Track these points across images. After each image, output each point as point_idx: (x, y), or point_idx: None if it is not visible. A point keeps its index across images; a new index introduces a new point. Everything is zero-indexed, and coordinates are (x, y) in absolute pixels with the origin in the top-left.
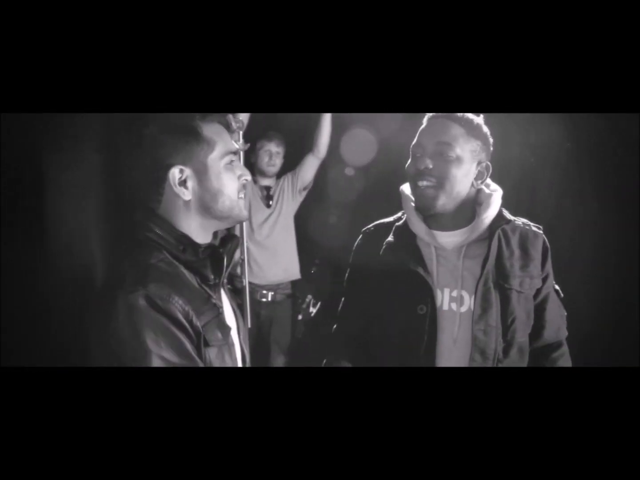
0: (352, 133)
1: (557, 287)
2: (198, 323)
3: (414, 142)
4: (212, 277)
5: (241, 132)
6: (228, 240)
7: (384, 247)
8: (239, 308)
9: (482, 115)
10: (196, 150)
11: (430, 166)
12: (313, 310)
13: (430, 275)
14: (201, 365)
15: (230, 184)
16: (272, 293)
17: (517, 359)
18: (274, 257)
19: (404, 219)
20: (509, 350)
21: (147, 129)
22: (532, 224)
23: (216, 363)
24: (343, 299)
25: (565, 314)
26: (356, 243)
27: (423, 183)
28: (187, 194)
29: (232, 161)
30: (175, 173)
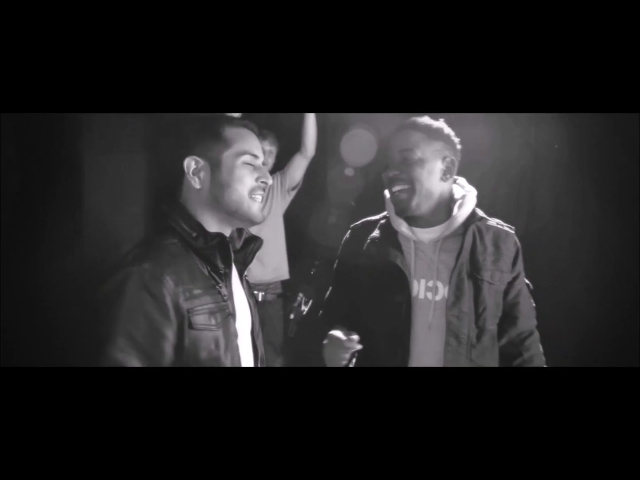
0: (352, 133)
1: (527, 281)
2: (185, 305)
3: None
4: (221, 266)
5: None
6: (251, 240)
7: (368, 241)
8: (256, 304)
9: (442, 120)
10: (212, 146)
11: (398, 172)
12: (305, 308)
13: (407, 266)
14: (167, 353)
15: (243, 180)
16: (263, 293)
17: (489, 345)
18: (263, 256)
19: (387, 216)
20: (482, 336)
21: (177, 124)
22: (505, 224)
23: (201, 347)
24: (330, 287)
25: (534, 305)
26: (345, 237)
27: (396, 188)
28: (197, 183)
29: (251, 162)
30: (190, 163)
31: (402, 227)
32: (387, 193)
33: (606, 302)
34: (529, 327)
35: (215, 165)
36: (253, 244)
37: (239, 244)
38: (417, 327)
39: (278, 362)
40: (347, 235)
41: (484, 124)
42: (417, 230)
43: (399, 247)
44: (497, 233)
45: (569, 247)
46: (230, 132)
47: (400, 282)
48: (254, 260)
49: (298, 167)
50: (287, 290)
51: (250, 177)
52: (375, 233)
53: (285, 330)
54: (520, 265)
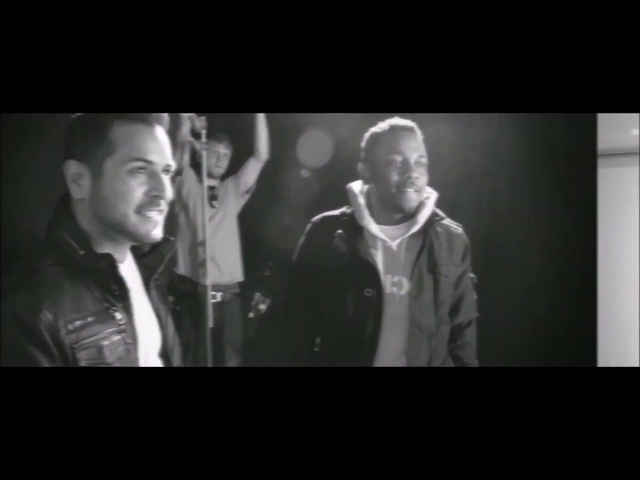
0: (308, 135)
1: (472, 274)
2: (66, 340)
3: (390, 149)
4: (115, 287)
5: (204, 132)
6: (160, 243)
7: (335, 237)
8: (170, 313)
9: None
10: (94, 149)
11: (417, 175)
12: (263, 307)
13: (376, 263)
14: None
15: (126, 195)
16: (221, 294)
17: (445, 332)
18: (218, 259)
19: (349, 213)
20: (440, 325)
21: (66, 119)
22: (454, 223)
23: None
24: (290, 282)
25: (476, 297)
26: (306, 231)
27: (411, 189)
28: (79, 192)
29: (143, 171)
30: (70, 166)
31: (371, 225)
32: (354, 187)
33: (561, 299)
34: (468, 318)
35: (96, 174)
36: (162, 247)
37: (146, 247)
38: (385, 318)
39: (234, 361)
40: (308, 229)
41: (444, 124)
42: (384, 228)
43: (367, 244)
44: (449, 231)
45: (526, 246)
46: (118, 132)
47: (371, 278)
48: (210, 263)
49: (252, 171)
50: (245, 289)
51: (138, 191)
52: (341, 230)
53: (245, 329)
54: (468, 260)
